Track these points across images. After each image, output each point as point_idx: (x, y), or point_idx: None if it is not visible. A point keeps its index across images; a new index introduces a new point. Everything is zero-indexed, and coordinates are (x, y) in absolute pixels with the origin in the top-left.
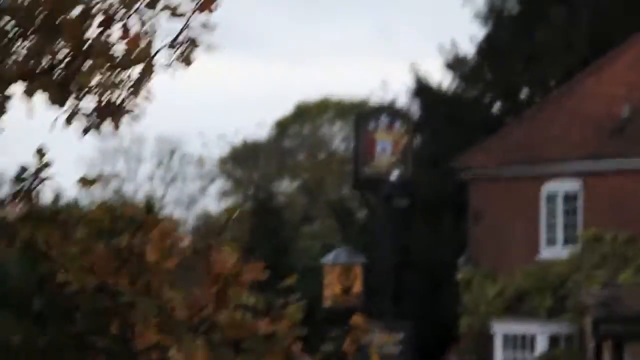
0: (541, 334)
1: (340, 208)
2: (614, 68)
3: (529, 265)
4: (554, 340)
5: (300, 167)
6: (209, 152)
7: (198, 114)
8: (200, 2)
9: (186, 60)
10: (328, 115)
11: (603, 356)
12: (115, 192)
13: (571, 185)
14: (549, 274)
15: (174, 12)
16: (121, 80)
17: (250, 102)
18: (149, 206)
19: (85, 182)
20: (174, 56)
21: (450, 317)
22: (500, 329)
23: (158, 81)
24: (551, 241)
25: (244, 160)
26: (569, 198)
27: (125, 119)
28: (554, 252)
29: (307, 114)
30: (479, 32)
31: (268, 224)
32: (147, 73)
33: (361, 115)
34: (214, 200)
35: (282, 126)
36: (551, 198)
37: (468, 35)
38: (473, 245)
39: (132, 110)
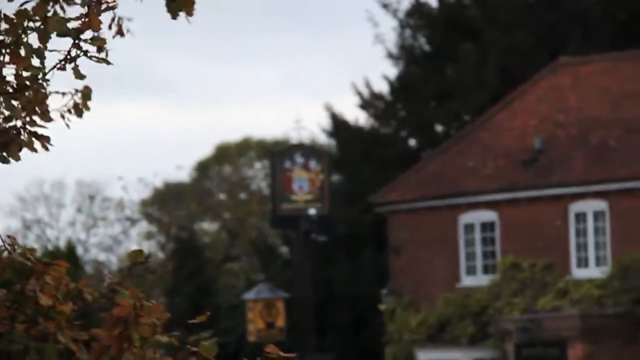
0: (464, 359)
1: (262, 245)
2: (524, 101)
3: (450, 293)
4: None
5: (221, 206)
6: (129, 196)
7: (116, 158)
8: (85, 20)
9: (77, 111)
10: (250, 155)
11: None
12: (38, 237)
13: (487, 215)
14: (470, 302)
15: (63, 32)
16: (13, 107)
17: (167, 145)
18: (70, 249)
19: None
20: (67, 105)
21: (375, 347)
22: (425, 356)
23: (73, 128)
24: (471, 270)
25: (166, 202)
26: (486, 228)
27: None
28: (474, 280)
29: (227, 155)
30: (391, 70)
31: (191, 263)
32: (39, 96)
33: (277, 155)
34: (136, 243)
35: (203, 167)
36: (468, 228)
37: (380, 73)
38: (394, 276)
39: (31, 138)
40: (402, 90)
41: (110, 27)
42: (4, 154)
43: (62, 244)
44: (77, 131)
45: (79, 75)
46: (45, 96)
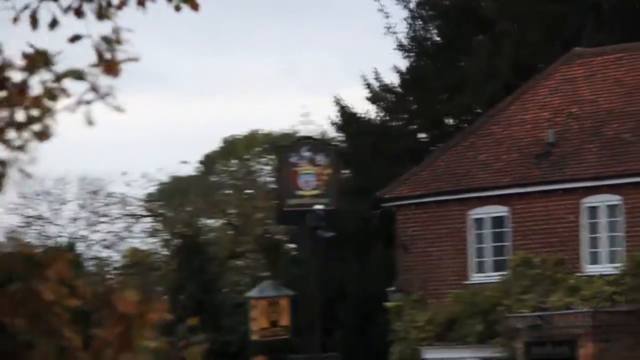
0: (472, 358)
1: (268, 242)
2: (537, 94)
3: (459, 290)
4: None
5: (227, 202)
6: (133, 191)
7: (120, 154)
8: (105, 67)
9: (89, 121)
10: (257, 149)
11: None
12: (39, 234)
13: (498, 210)
14: (479, 299)
15: (79, 76)
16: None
17: (171, 140)
18: (70, 246)
19: None
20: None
21: (382, 345)
22: (432, 355)
23: (75, 124)
24: (480, 266)
25: (171, 197)
26: (497, 223)
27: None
28: (484, 277)
29: (235, 149)
30: (402, 62)
31: (195, 260)
32: (44, 134)
33: (283, 150)
34: (140, 240)
35: (209, 162)
36: (479, 223)
37: (390, 65)
38: (402, 273)
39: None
40: (413, 82)
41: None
42: None
43: (63, 241)
44: (79, 126)
45: (90, 121)
46: (50, 132)
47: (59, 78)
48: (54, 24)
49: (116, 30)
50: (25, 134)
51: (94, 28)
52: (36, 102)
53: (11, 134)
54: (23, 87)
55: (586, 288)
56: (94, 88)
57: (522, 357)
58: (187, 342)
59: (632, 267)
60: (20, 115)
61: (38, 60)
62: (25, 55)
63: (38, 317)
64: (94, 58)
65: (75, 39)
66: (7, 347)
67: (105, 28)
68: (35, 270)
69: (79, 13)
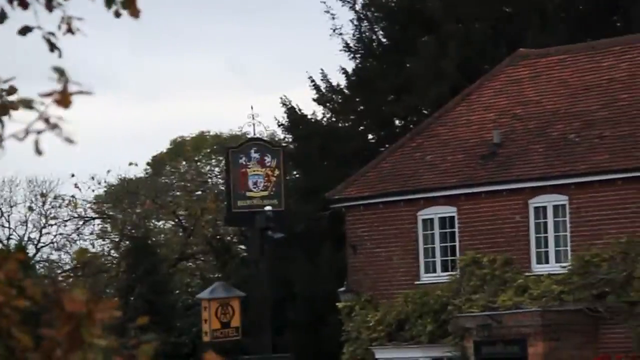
0: (423, 357)
1: (218, 244)
2: (482, 95)
3: (409, 291)
4: None
5: (176, 203)
6: (81, 194)
7: (68, 156)
8: (56, 99)
9: (37, 150)
10: (206, 150)
11: None
12: None
13: (447, 211)
14: (429, 299)
15: (29, 106)
16: None
17: (118, 142)
18: (19, 248)
19: None
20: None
21: (334, 346)
22: (383, 355)
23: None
24: (430, 266)
25: (120, 199)
26: (445, 224)
27: None
28: (433, 277)
29: (183, 150)
30: (349, 64)
31: (145, 262)
32: None
33: (232, 151)
34: (90, 242)
35: (158, 163)
36: (427, 224)
37: (337, 66)
38: (352, 273)
39: None
40: (360, 83)
41: (59, 26)
42: None
43: (12, 243)
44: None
45: (38, 151)
46: None
47: (7, 108)
48: (2, 16)
49: (67, 20)
50: None
51: (44, 20)
52: None
53: None
54: None
55: (534, 287)
56: (44, 118)
57: (472, 356)
58: (137, 341)
59: (579, 266)
60: None
61: None
62: None
63: None
64: (47, 86)
65: (24, 30)
66: None
67: (54, 19)
68: None
69: (24, 4)
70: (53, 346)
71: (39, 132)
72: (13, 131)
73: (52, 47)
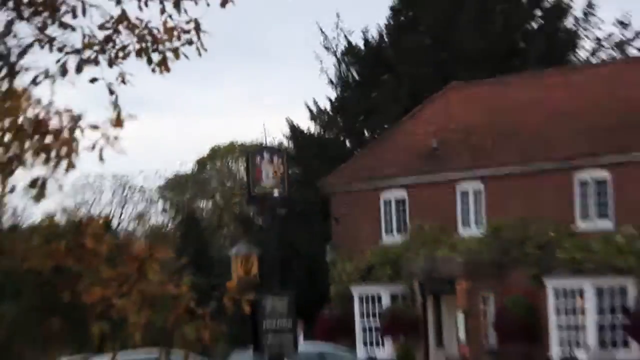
0: (384, 293)
1: (242, 217)
2: (425, 114)
3: (374, 248)
4: (393, 298)
5: (214, 190)
6: (148, 184)
7: (137, 158)
8: (114, 121)
9: (100, 158)
10: (235, 154)
11: (427, 307)
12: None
13: (401, 194)
14: (389, 253)
15: (94, 127)
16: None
17: (173, 148)
18: (106, 222)
19: (34, 192)
20: (97, 150)
21: (323, 287)
22: (357, 291)
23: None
24: (389, 231)
25: (175, 187)
26: (399, 202)
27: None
28: (392, 239)
29: (219, 154)
30: (332, 93)
31: (193, 231)
32: (69, 166)
33: (251, 154)
34: (155, 217)
35: (201, 163)
36: (387, 203)
37: (324, 95)
38: (335, 237)
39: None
40: (340, 107)
41: (117, 78)
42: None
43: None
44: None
45: (102, 159)
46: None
47: (81, 129)
48: (79, 69)
49: (122, 74)
50: (55, 164)
51: (107, 73)
52: (66, 143)
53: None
54: (58, 133)
55: (460, 245)
56: (105, 136)
57: (417, 291)
58: (179, 277)
59: (490, 231)
60: (53, 153)
61: (69, 119)
62: (58, 112)
63: (82, 258)
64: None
65: (93, 80)
66: (65, 277)
67: (114, 72)
68: (80, 229)
69: (96, 62)
70: (127, 277)
71: (101, 147)
72: (85, 145)
73: (111, 92)
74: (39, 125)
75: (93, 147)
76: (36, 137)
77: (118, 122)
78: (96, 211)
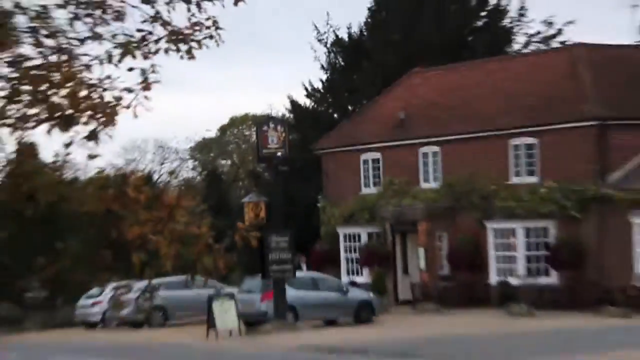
0: (363, 233)
1: (254, 173)
2: (394, 93)
3: (355, 197)
4: (370, 236)
5: (232, 152)
6: (181, 146)
7: (170, 126)
8: (144, 84)
9: (134, 114)
10: (248, 123)
11: (396, 243)
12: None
13: (376, 155)
14: (366, 202)
15: (129, 90)
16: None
17: (201, 118)
18: (148, 176)
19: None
20: (133, 106)
21: (315, 227)
22: (342, 231)
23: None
24: (367, 184)
25: (202, 149)
26: (375, 162)
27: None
28: (369, 190)
29: (236, 122)
30: (323, 75)
31: (216, 184)
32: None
33: (259, 123)
34: (186, 171)
35: (222, 129)
36: (365, 162)
37: (317, 77)
38: (326, 189)
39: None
40: (329, 87)
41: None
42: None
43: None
44: (148, 115)
45: (135, 115)
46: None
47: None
48: (120, 60)
49: (153, 65)
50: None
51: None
52: (108, 105)
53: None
54: (102, 97)
55: (422, 195)
56: (137, 97)
57: (389, 231)
58: (201, 219)
59: (445, 185)
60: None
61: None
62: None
63: (126, 204)
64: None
65: (131, 69)
66: (113, 219)
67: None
68: (125, 181)
69: (133, 56)
70: (160, 219)
71: (134, 105)
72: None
73: (143, 72)
74: (89, 91)
75: (128, 107)
76: (88, 100)
77: (147, 86)
78: (140, 168)
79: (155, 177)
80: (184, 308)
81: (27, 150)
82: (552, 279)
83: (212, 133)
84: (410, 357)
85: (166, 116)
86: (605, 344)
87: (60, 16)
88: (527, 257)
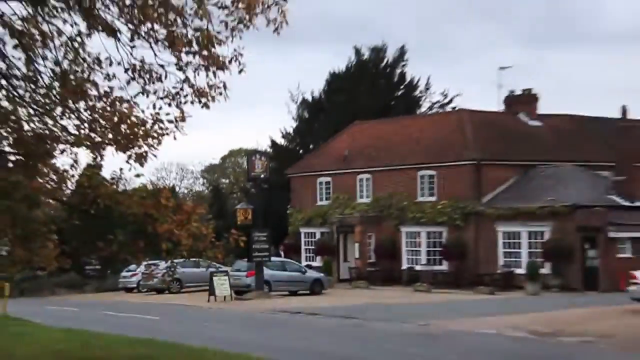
0: (317, 232)
1: (245, 189)
2: (342, 137)
3: (313, 207)
4: (322, 234)
5: (230, 173)
6: (195, 169)
7: (188, 153)
8: (179, 117)
9: (174, 138)
10: (242, 154)
11: (339, 240)
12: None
13: (327, 179)
14: (320, 211)
15: (170, 121)
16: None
17: (205, 149)
18: (172, 189)
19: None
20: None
21: (286, 227)
22: (303, 230)
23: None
24: (321, 199)
25: (209, 171)
26: (327, 184)
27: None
28: (322, 203)
29: (232, 154)
30: (294, 124)
31: (217, 196)
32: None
33: (249, 154)
34: (200, 188)
35: (223, 158)
36: (320, 184)
37: (290, 125)
38: (293, 201)
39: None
40: (298, 132)
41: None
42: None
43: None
44: (173, 144)
45: (175, 138)
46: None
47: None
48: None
49: (182, 111)
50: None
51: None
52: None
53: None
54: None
55: (358, 208)
56: (175, 125)
57: (335, 232)
58: (208, 223)
59: (374, 201)
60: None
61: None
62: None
63: (159, 209)
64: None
65: (167, 114)
66: (149, 218)
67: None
68: (158, 193)
69: (169, 104)
70: (181, 221)
71: (173, 132)
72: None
73: (182, 112)
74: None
75: (167, 133)
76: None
77: (182, 118)
78: (166, 183)
79: (177, 190)
80: (193, 280)
81: (94, 168)
82: (444, 266)
83: (216, 160)
84: (349, 317)
85: (185, 147)
86: (479, 311)
87: (122, 78)
88: (427, 251)
